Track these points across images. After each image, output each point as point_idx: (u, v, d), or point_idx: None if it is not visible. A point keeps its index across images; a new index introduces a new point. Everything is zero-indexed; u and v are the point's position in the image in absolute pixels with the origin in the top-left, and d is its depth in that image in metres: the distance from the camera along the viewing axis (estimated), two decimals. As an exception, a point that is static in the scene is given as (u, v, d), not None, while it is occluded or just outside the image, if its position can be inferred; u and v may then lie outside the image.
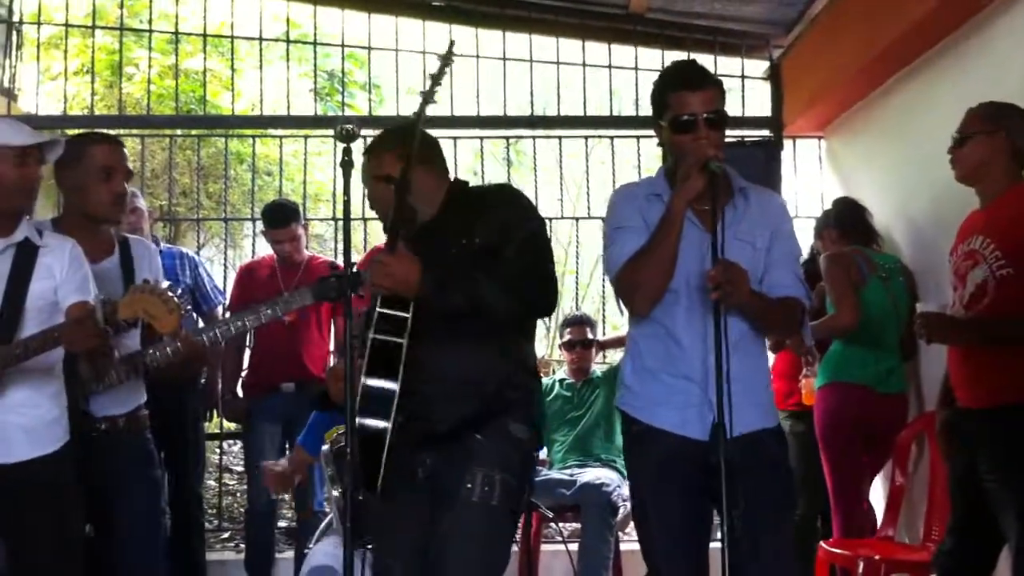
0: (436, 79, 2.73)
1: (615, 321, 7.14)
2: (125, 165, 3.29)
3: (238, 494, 6.83)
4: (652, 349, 2.87)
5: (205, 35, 6.42)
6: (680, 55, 5.95)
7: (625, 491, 4.74)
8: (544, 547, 4.91)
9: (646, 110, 5.78)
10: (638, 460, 2.93)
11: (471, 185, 3.08)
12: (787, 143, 5.98)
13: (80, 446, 3.06)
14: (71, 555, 2.95)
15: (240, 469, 7.18)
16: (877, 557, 3.93)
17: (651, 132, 5.40)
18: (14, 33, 6.35)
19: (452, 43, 2.81)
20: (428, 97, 2.74)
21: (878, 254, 4.57)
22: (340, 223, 6.34)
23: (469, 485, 2.68)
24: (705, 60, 5.89)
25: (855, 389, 4.33)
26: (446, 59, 2.76)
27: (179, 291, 2.75)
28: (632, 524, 5.30)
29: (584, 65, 6.15)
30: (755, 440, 2.73)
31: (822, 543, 4.26)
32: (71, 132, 5.84)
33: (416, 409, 2.71)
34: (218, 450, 6.90)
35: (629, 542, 5.21)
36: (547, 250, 2.88)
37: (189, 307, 2.99)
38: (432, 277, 2.64)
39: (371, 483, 2.61)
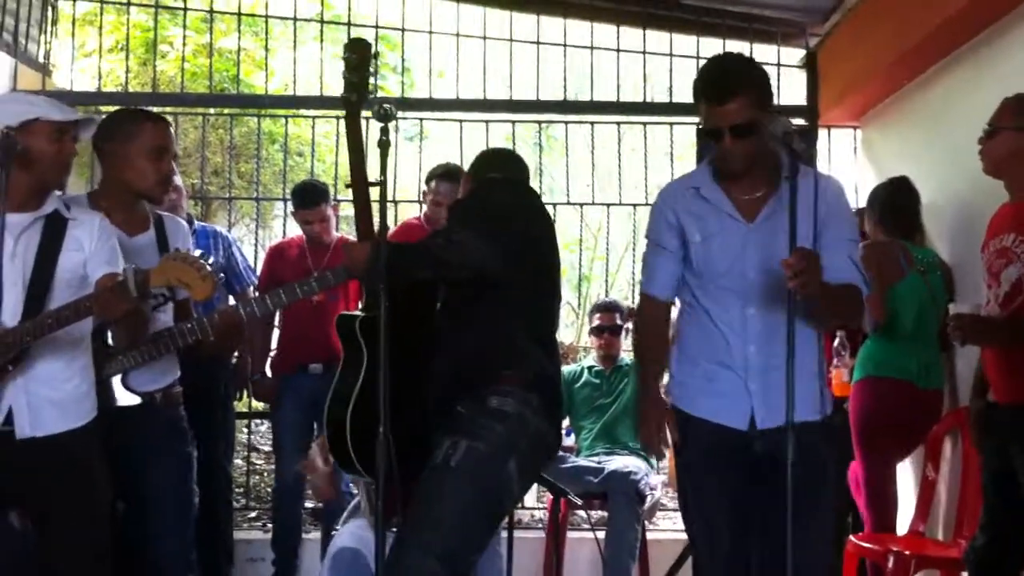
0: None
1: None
2: (173, 146, 3.32)
3: (265, 474, 6.85)
4: (694, 337, 2.89)
5: (240, 14, 6.44)
6: (715, 42, 5.92)
7: (652, 480, 4.74)
8: (570, 534, 4.91)
9: (680, 96, 5.78)
10: (680, 449, 2.93)
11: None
12: (822, 132, 5.93)
13: (112, 420, 3.07)
14: (99, 529, 2.97)
15: (267, 449, 7.20)
16: (907, 552, 3.89)
17: (684, 119, 5.39)
18: (49, 9, 6.37)
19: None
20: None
21: (918, 248, 4.50)
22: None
23: (436, 452, 2.74)
24: (740, 47, 5.85)
25: (896, 384, 4.27)
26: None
27: (210, 259, 2.75)
28: (658, 513, 5.37)
29: (618, 50, 6.12)
30: (796, 432, 2.67)
31: (851, 537, 4.23)
32: (105, 108, 5.89)
33: (430, 396, 2.84)
34: (246, 429, 6.92)
35: (656, 531, 5.22)
36: (483, 218, 2.87)
37: (222, 275, 3.00)
38: (376, 251, 2.70)
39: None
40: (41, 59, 6.26)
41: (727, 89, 2.77)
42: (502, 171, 3.17)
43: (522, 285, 2.88)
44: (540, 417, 2.83)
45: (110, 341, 3.13)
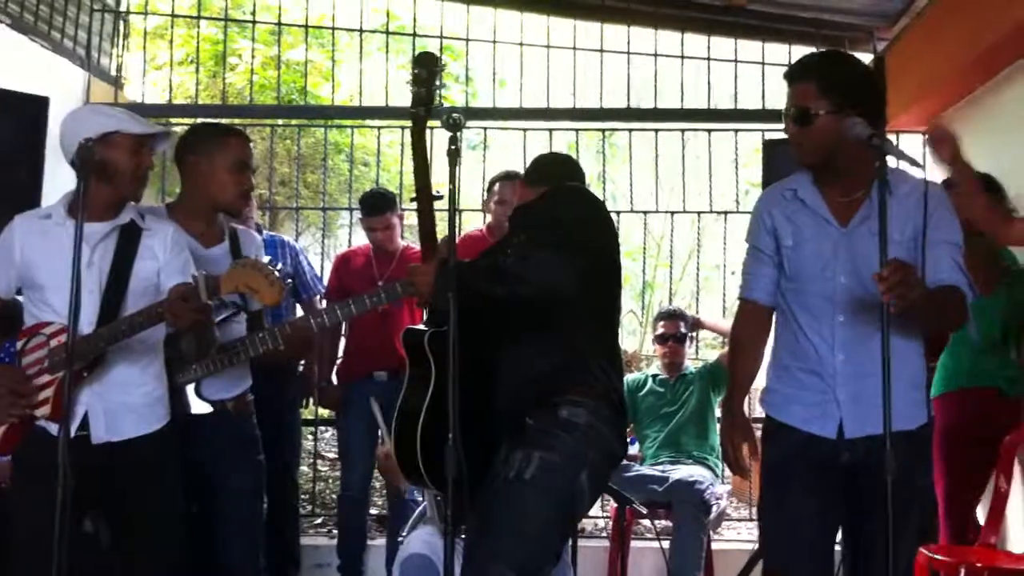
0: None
1: (708, 316, 7.07)
2: (252, 160, 3.39)
3: (330, 480, 6.92)
4: (786, 344, 2.88)
5: (307, 26, 6.54)
6: (781, 48, 5.89)
7: (718, 490, 4.71)
8: (634, 543, 4.90)
9: (745, 103, 5.74)
10: (767, 455, 2.92)
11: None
12: (890, 138, 5.85)
13: (186, 426, 3.13)
14: (172, 533, 3.02)
15: (332, 456, 7.28)
16: (979, 564, 3.82)
17: (749, 125, 5.35)
18: (121, 23, 6.52)
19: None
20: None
21: (1003, 248, 4.37)
22: (436, 213, 6.47)
23: (508, 464, 2.72)
24: (807, 52, 5.79)
25: (985, 393, 4.18)
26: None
27: (279, 265, 2.79)
28: (724, 523, 5.33)
29: (682, 57, 6.11)
30: (883, 442, 2.62)
31: (922, 549, 4.16)
32: (175, 121, 6.01)
33: (498, 407, 2.82)
34: (311, 436, 7.00)
35: (721, 541, 5.18)
36: (555, 237, 2.83)
37: (290, 281, 3.04)
38: (441, 277, 2.71)
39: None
40: (113, 72, 6.40)
41: (791, 73, 2.81)
42: (561, 178, 3.14)
43: (590, 298, 2.87)
44: (608, 427, 2.82)
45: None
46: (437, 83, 2.85)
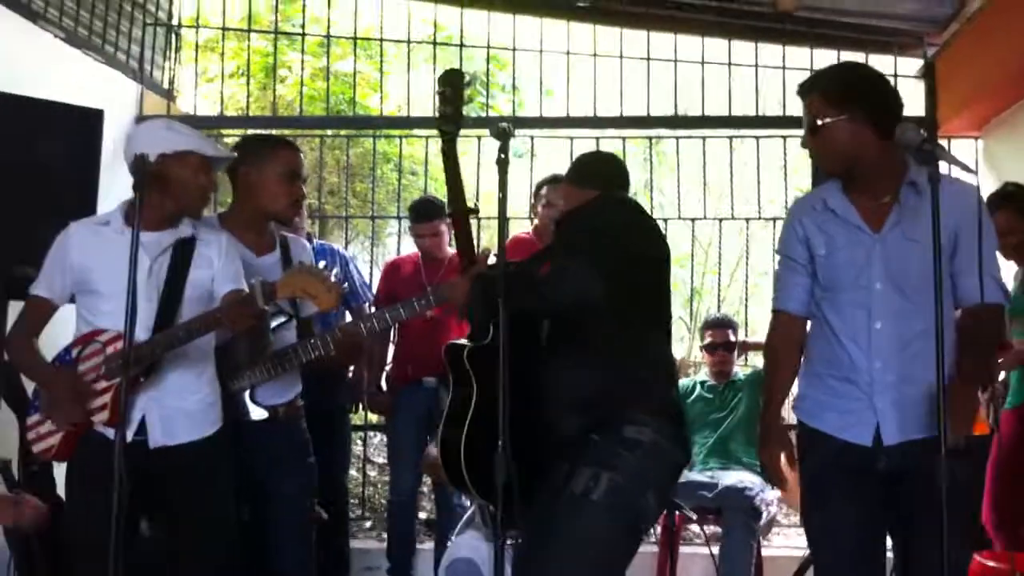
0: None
1: (756, 323, 7.03)
2: (303, 170, 3.44)
3: (379, 485, 6.97)
4: (820, 351, 2.86)
5: (355, 38, 6.59)
6: (829, 54, 5.85)
7: (768, 495, 4.68)
8: (684, 549, 4.88)
9: (793, 110, 5.72)
10: (804, 463, 2.91)
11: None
12: (941, 143, 5.79)
13: (238, 432, 3.19)
14: (225, 536, 3.07)
15: (381, 460, 7.32)
16: (1035, 571, 3.77)
17: (797, 132, 5.35)
18: (173, 36, 6.62)
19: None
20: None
21: None
22: (481, 221, 6.50)
23: (575, 481, 2.68)
24: (855, 58, 5.77)
25: None
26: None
27: (335, 271, 2.83)
28: (773, 529, 5.30)
29: (729, 64, 6.09)
30: (923, 447, 2.60)
31: (977, 556, 4.11)
32: (226, 132, 6.10)
33: (547, 421, 2.79)
34: (360, 441, 7.05)
35: (771, 547, 5.15)
36: (585, 244, 2.80)
37: (346, 285, 3.09)
38: (480, 284, 2.73)
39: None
40: (166, 85, 6.50)
41: (800, 89, 2.87)
42: (606, 178, 3.11)
43: (641, 311, 2.85)
44: (672, 442, 2.79)
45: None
46: (465, 99, 2.85)
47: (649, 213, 3.21)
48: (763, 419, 3.06)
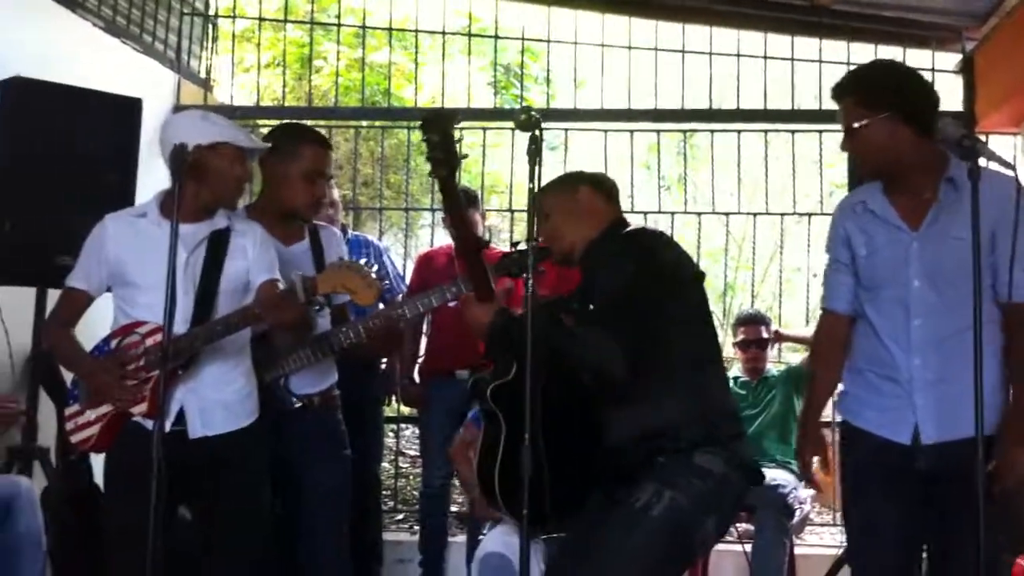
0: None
1: (790, 319, 6.99)
2: (329, 170, 3.43)
3: (411, 477, 6.99)
4: (862, 349, 2.87)
5: (391, 29, 6.62)
6: (867, 48, 5.80)
7: (801, 493, 4.66)
8: (716, 546, 4.85)
9: (829, 104, 5.67)
10: (846, 461, 2.91)
11: (624, 231, 2.94)
12: (980, 138, 5.73)
13: (275, 422, 3.20)
14: (260, 525, 3.09)
15: (413, 453, 7.35)
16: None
17: (833, 126, 5.30)
18: (210, 26, 6.65)
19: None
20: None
21: None
22: (515, 214, 6.50)
23: (637, 495, 2.63)
24: (893, 53, 5.72)
25: None
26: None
27: (375, 267, 2.83)
28: (807, 528, 5.27)
29: (765, 57, 6.05)
30: (961, 448, 2.56)
31: (1020, 560, 4.06)
32: (262, 122, 6.12)
33: (611, 463, 2.75)
34: (392, 433, 7.08)
35: (804, 545, 5.12)
36: (614, 312, 2.68)
37: (387, 283, 3.08)
38: (501, 321, 2.68)
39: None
40: (203, 74, 6.54)
41: (833, 94, 2.86)
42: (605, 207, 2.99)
43: (695, 339, 2.78)
44: (740, 473, 2.72)
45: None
46: (456, 138, 2.64)
47: (668, 240, 2.97)
48: (802, 420, 3.04)
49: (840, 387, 3.02)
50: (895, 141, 2.72)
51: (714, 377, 2.85)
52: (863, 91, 2.78)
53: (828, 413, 3.20)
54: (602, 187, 3.02)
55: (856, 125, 2.75)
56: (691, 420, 2.67)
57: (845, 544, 3.36)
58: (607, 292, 2.71)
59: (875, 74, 2.88)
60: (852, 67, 3.06)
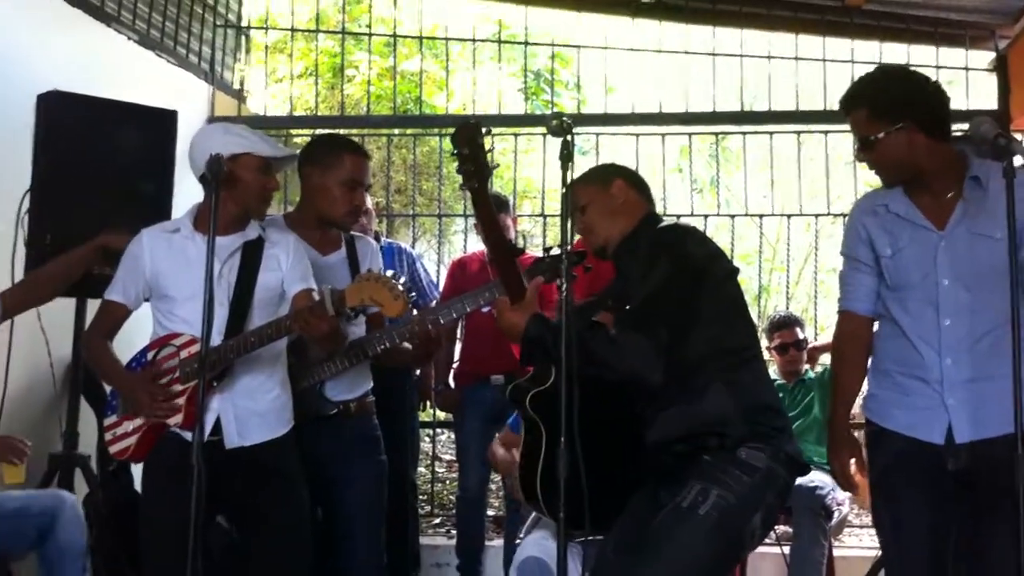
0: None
1: (824, 322, 6.95)
2: (368, 179, 3.45)
3: (447, 482, 7.02)
4: (887, 349, 2.83)
5: (421, 37, 6.65)
6: (899, 48, 5.77)
7: (839, 495, 4.62)
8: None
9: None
10: (873, 463, 2.88)
11: (658, 227, 2.91)
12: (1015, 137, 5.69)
13: (310, 429, 3.22)
14: (300, 531, 3.10)
15: (449, 457, 7.37)
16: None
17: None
18: (243, 38, 6.72)
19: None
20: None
21: None
22: (548, 219, 6.51)
23: (684, 494, 2.63)
24: (926, 52, 5.69)
25: None
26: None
27: (402, 279, 2.85)
28: (845, 530, 5.23)
29: (797, 59, 6.03)
30: (997, 446, 2.55)
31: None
32: (295, 132, 6.17)
33: (656, 460, 2.76)
34: (428, 438, 7.10)
35: (842, 547, 5.09)
36: (650, 316, 2.67)
37: (413, 295, 3.09)
38: (536, 329, 2.65)
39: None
40: (236, 85, 6.61)
41: (843, 105, 2.83)
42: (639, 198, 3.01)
43: (734, 334, 2.78)
44: (785, 466, 2.71)
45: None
46: (485, 148, 2.70)
47: (702, 236, 2.99)
48: (831, 424, 3.02)
49: (865, 387, 2.99)
50: (912, 150, 2.72)
51: (755, 372, 2.83)
52: (877, 103, 2.76)
53: (856, 411, 3.17)
54: (635, 180, 3.04)
55: (873, 138, 2.74)
56: (734, 417, 2.67)
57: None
58: (643, 291, 2.70)
59: (887, 84, 2.84)
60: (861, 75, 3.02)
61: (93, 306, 3.48)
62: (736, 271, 2.91)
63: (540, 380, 2.90)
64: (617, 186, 2.96)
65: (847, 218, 3.04)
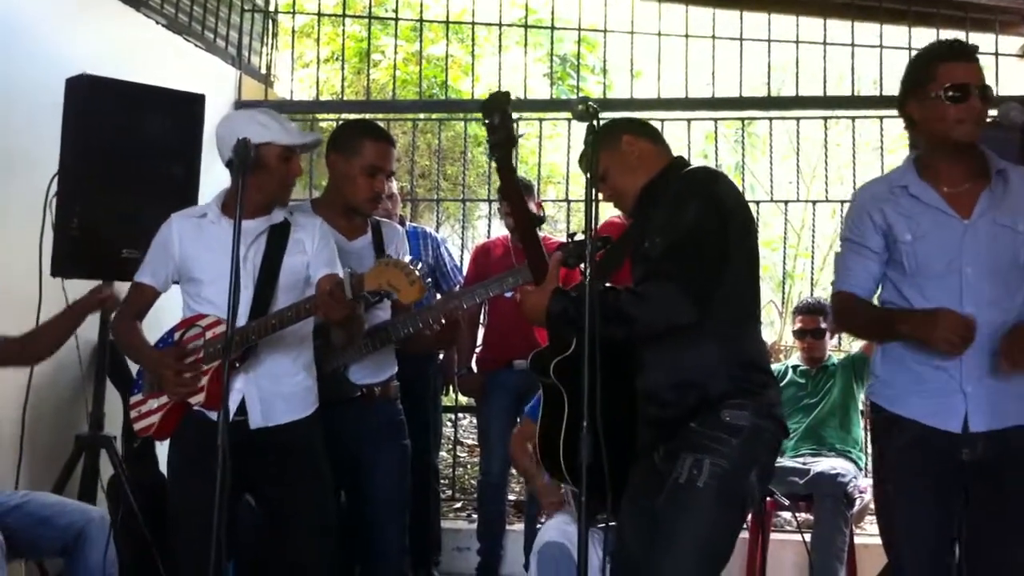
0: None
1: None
2: (391, 165, 3.47)
3: (469, 466, 7.05)
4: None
5: (447, 22, 6.65)
6: (928, 32, 5.72)
7: (861, 483, 4.62)
8: (775, 536, 4.84)
9: (890, 90, 5.60)
10: (883, 449, 2.86)
11: (684, 170, 2.88)
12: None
13: (335, 411, 3.25)
14: (324, 512, 3.14)
15: (471, 442, 7.40)
16: None
17: (895, 112, 5.24)
18: (270, 22, 6.74)
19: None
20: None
21: None
22: (572, 204, 6.51)
23: (678, 470, 2.66)
24: (955, 37, 5.63)
25: None
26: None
27: (419, 265, 2.86)
28: (867, 517, 5.22)
29: (824, 43, 6.00)
30: (1014, 435, 2.57)
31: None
32: (321, 116, 6.19)
33: (647, 409, 2.78)
34: (450, 423, 7.13)
35: (864, 535, 5.08)
36: (683, 260, 2.65)
37: (429, 280, 3.11)
38: (557, 304, 2.66)
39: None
40: (263, 70, 6.63)
41: (970, 49, 2.78)
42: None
43: (739, 297, 2.78)
44: (771, 422, 2.73)
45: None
46: (512, 119, 2.79)
47: (734, 186, 2.92)
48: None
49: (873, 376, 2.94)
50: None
51: (747, 330, 2.83)
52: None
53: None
54: (643, 131, 2.97)
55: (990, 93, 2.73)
56: (718, 370, 2.69)
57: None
58: (671, 237, 2.68)
59: None
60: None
61: (119, 288, 3.53)
62: (755, 226, 2.91)
63: (562, 349, 2.90)
64: (626, 142, 2.89)
65: (851, 202, 2.99)
